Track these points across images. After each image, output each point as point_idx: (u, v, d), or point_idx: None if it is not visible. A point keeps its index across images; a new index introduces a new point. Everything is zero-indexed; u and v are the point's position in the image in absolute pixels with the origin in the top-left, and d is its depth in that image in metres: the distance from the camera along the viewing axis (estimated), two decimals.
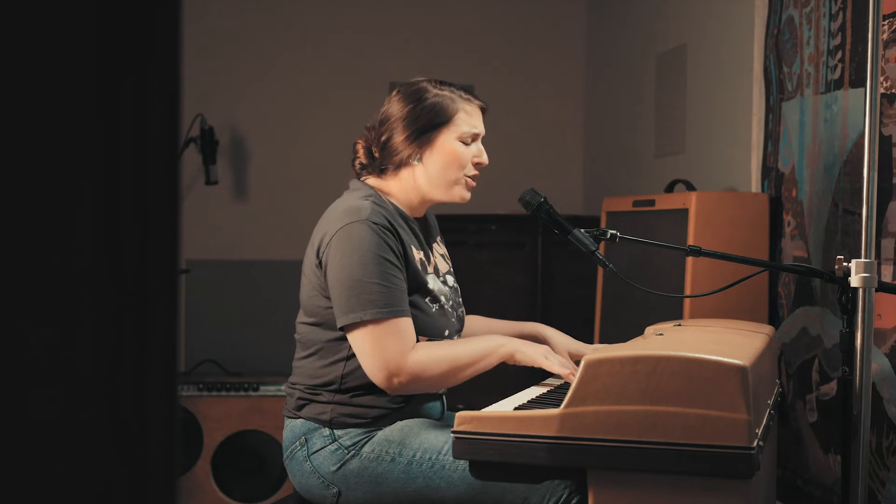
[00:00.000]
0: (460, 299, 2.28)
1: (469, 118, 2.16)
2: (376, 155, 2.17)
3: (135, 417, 0.50)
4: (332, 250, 2.02)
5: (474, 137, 2.17)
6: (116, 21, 0.49)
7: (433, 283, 2.14)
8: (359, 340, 2.00)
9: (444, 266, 2.27)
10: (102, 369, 0.49)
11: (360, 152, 2.22)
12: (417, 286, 2.09)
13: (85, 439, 0.49)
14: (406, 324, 2.00)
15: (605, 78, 4.68)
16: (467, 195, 2.20)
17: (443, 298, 2.16)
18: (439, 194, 2.17)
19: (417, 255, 2.12)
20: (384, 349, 1.97)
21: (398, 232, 2.06)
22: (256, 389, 3.73)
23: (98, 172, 0.49)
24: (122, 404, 0.50)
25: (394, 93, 2.19)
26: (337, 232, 2.02)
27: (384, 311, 1.97)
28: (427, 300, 2.11)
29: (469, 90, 2.21)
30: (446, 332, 2.14)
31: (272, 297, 4.41)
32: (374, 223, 2.01)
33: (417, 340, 2.06)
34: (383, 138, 2.15)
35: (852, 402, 1.98)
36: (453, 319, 2.19)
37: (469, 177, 2.17)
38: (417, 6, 4.71)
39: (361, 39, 4.63)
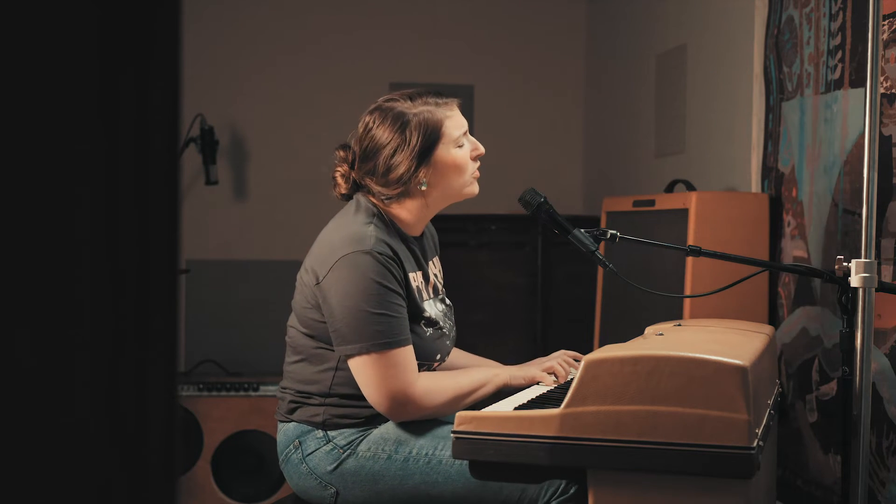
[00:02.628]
0: (454, 318, 2.28)
1: (454, 121, 2.12)
2: (375, 188, 2.10)
3: (135, 417, 0.50)
4: (333, 277, 1.99)
5: (464, 134, 2.16)
6: (116, 21, 0.49)
7: (430, 308, 2.14)
8: (362, 370, 2.00)
9: (439, 287, 2.27)
10: (102, 369, 0.49)
11: (341, 183, 2.17)
12: (414, 314, 2.08)
13: (85, 439, 0.49)
14: (408, 353, 2.01)
15: (605, 78, 4.68)
16: (476, 189, 2.19)
17: (440, 322, 2.16)
18: (448, 200, 2.17)
19: (415, 281, 2.11)
20: (389, 380, 1.97)
21: (400, 259, 2.04)
22: (256, 389, 3.73)
23: (98, 173, 0.49)
24: (122, 404, 0.50)
25: (370, 119, 2.11)
26: (339, 260, 1.99)
27: (386, 343, 1.97)
28: (422, 324, 2.10)
29: (438, 90, 2.18)
30: (438, 356, 2.14)
31: (272, 297, 4.41)
32: (378, 253, 1.98)
33: None
34: (381, 171, 2.08)
35: (852, 402, 1.98)
36: (448, 342, 2.19)
37: (472, 174, 2.17)
38: (417, 6, 4.71)
39: (361, 39, 4.63)
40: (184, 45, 0.52)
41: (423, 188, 2.10)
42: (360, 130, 2.13)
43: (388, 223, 2.10)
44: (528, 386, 2.17)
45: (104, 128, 0.49)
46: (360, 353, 1.98)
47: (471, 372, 2.11)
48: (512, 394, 2.10)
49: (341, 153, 2.18)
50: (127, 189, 0.50)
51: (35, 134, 0.48)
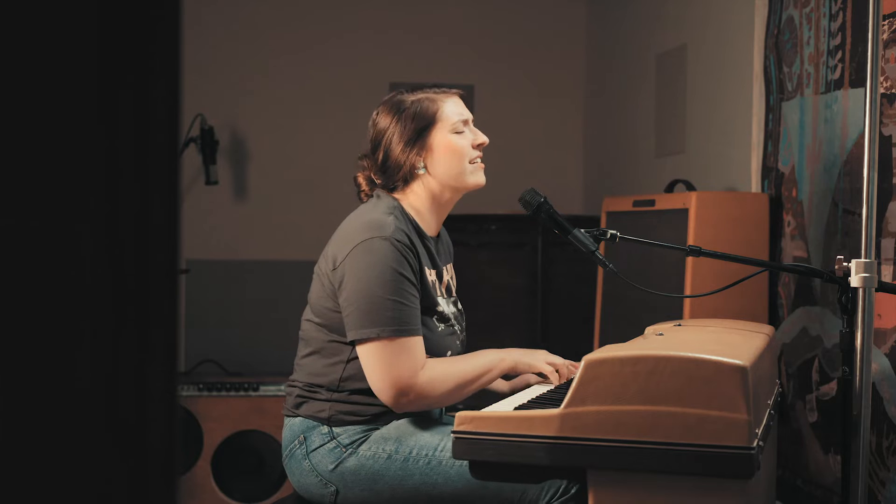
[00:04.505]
0: (465, 324, 2.28)
1: (453, 108, 2.16)
2: (377, 182, 2.17)
3: (135, 417, 0.50)
4: (351, 262, 2.02)
5: (465, 123, 2.17)
6: (116, 22, 0.49)
7: (443, 304, 2.15)
8: (369, 356, 2.00)
9: (452, 290, 2.28)
10: (103, 369, 0.49)
11: (363, 184, 2.23)
12: (428, 306, 2.09)
13: (85, 439, 0.49)
14: (417, 343, 2.01)
15: (605, 78, 4.68)
16: (482, 177, 2.20)
17: (452, 319, 2.17)
18: (453, 190, 2.17)
19: (431, 275, 2.12)
20: (394, 367, 1.98)
21: (417, 251, 2.06)
22: (256, 389, 3.73)
23: (98, 173, 0.49)
24: (122, 404, 0.50)
25: (374, 114, 2.19)
26: (358, 245, 2.02)
27: (398, 330, 1.98)
28: (434, 319, 2.12)
29: (440, 85, 2.22)
30: (448, 353, 2.14)
31: (272, 297, 4.41)
32: (396, 241, 2.01)
33: None
34: (380, 159, 2.15)
35: (852, 402, 1.98)
36: (458, 342, 2.20)
37: (473, 162, 2.17)
38: (417, 6, 4.71)
39: (361, 39, 4.63)
40: (184, 45, 0.52)
41: (421, 172, 2.13)
42: (369, 126, 2.20)
43: (407, 217, 2.13)
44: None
45: (104, 128, 0.49)
46: (370, 338, 1.99)
47: (476, 357, 2.10)
48: (511, 393, 2.10)
49: (363, 163, 2.23)
50: (127, 189, 0.50)
51: (35, 135, 0.48)
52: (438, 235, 2.26)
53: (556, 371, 2.19)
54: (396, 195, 2.17)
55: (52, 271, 0.49)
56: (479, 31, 4.77)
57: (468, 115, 2.19)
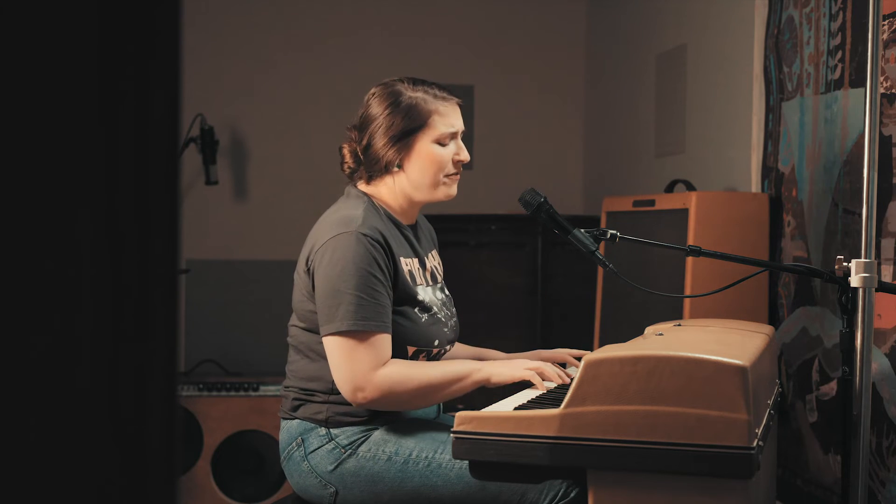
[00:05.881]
0: (454, 309, 2.26)
1: (445, 118, 2.12)
2: (361, 157, 2.17)
3: (135, 417, 0.50)
4: (319, 260, 2.01)
5: (452, 136, 2.15)
6: (116, 21, 0.49)
7: (424, 293, 2.12)
8: (332, 350, 1.98)
9: (437, 276, 2.26)
10: (102, 369, 0.49)
11: (347, 156, 2.20)
12: (407, 297, 2.07)
13: (85, 439, 0.49)
14: (382, 340, 1.98)
15: (605, 78, 4.69)
16: (453, 190, 2.17)
17: (434, 308, 2.14)
18: (423, 196, 2.15)
19: (408, 265, 2.10)
20: (353, 361, 1.95)
21: (389, 243, 2.04)
22: (256, 389, 3.73)
23: (98, 172, 0.49)
24: (122, 404, 0.50)
25: (370, 93, 2.16)
26: (326, 242, 2.01)
27: (360, 324, 1.95)
28: (416, 310, 2.09)
29: (444, 87, 2.17)
30: (436, 342, 2.12)
31: (272, 297, 4.41)
32: (363, 234, 1.99)
33: (408, 350, 2.06)
34: (364, 143, 2.13)
35: (852, 402, 1.98)
36: (445, 329, 2.16)
37: (449, 175, 2.16)
38: (417, 6, 4.71)
39: (361, 39, 4.63)
40: (184, 45, 0.52)
41: (397, 168, 2.12)
42: (364, 102, 2.18)
43: (378, 209, 2.12)
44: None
45: (104, 128, 0.49)
46: (331, 333, 1.97)
47: (448, 364, 2.04)
48: (511, 393, 2.09)
49: (352, 133, 2.21)
50: (127, 189, 0.50)
51: (36, 135, 0.48)
52: (416, 223, 2.25)
53: (543, 376, 2.09)
54: (369, 186, 2.16)
55: (51, 271, 0.49)
56: (479, 31, 4.77)
57: (459, 126, 2.15)
